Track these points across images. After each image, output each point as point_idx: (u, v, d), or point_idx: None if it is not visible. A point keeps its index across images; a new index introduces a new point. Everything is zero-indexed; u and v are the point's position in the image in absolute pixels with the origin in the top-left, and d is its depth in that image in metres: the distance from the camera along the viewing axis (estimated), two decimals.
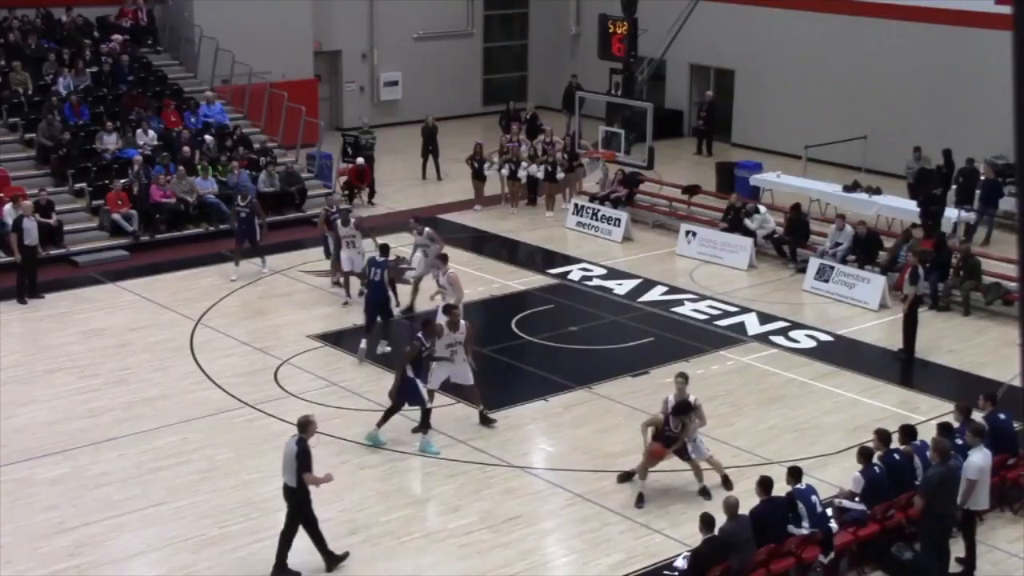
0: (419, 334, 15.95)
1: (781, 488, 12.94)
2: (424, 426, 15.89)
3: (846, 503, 13.33)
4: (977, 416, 14.41)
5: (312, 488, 12.94)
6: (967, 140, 27.08)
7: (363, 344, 18.78)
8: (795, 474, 13.03)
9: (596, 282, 22.74)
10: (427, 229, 20.94)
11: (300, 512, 12.95)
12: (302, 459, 12.79)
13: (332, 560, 13.15)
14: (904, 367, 19.05)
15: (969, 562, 13.07)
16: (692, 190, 27.20)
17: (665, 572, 12.72)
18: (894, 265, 21.96)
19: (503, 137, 28.84)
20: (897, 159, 27.92)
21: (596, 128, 29.20)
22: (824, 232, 23.58)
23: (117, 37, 29.63)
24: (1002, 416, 14.41)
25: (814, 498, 12.81)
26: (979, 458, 12.92)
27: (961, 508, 12.95)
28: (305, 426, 13.08)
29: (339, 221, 21.03)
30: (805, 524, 12.64)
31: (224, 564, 13.20)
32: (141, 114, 27.22)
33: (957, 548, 13.11)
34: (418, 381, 15.73)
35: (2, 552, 13.34)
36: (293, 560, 12.94)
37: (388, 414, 15.87)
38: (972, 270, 21.27)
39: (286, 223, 25.74)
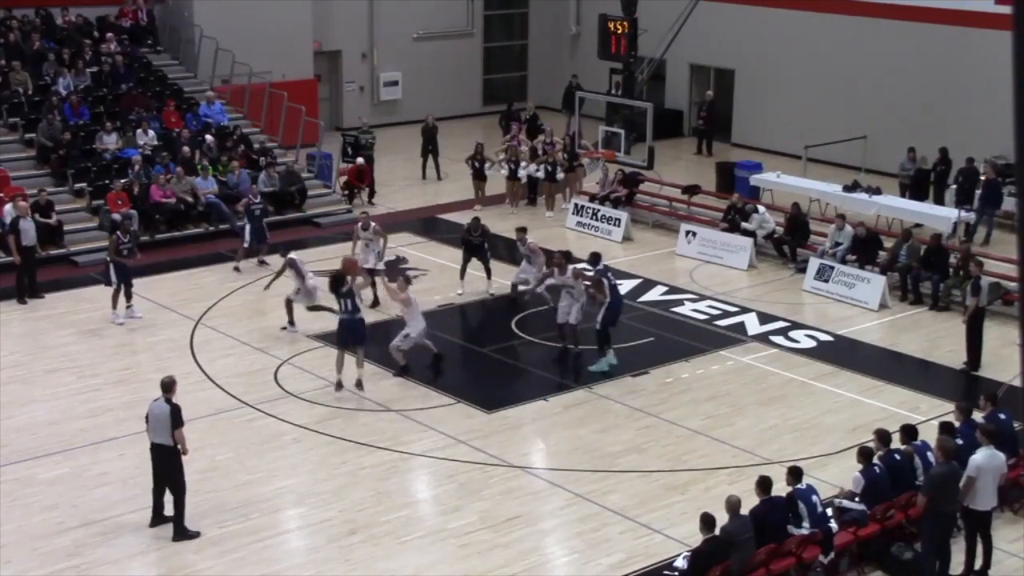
0: None
1: (781, 488, 12.93)
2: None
3: (846, 503, 13.33)
4: (977, 416, 14.42)
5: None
6: (967, 140, 27.07)
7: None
8: (795, 474, 13.03)
9: None
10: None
11: (176, 467, 13.46)
12: (176, 416, 13.37)
13: (161, 521, 13.66)
14: (906, 367, 19.08)
15: (985, 561, 13.07)
16: (692, 190, 27.19)
17: (665, 572, 12.70)
18: (894, 265, 21.98)
19: (506, 136, 28.83)
20: (897, 159, 27.90)
21: (596, 128, 29.20)
22: (824, 232, 23.57)
23: (111, 36, 29.57)
24: (1002, 416, 14.41)
25: (814, 498, 12.80)
26: (979, 456, 12.91)
27: (960, 504, 12.95)
28: (169, 386, 13.66)
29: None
30: (805, 524, 12.63)
31: (224, 564, 13.20)
32: (141, 114, 27.22)
33: (958, 548, 13.11)
34: None
35: (2, 552, 13.34)
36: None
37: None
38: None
39: (286, 223, 25.74)
